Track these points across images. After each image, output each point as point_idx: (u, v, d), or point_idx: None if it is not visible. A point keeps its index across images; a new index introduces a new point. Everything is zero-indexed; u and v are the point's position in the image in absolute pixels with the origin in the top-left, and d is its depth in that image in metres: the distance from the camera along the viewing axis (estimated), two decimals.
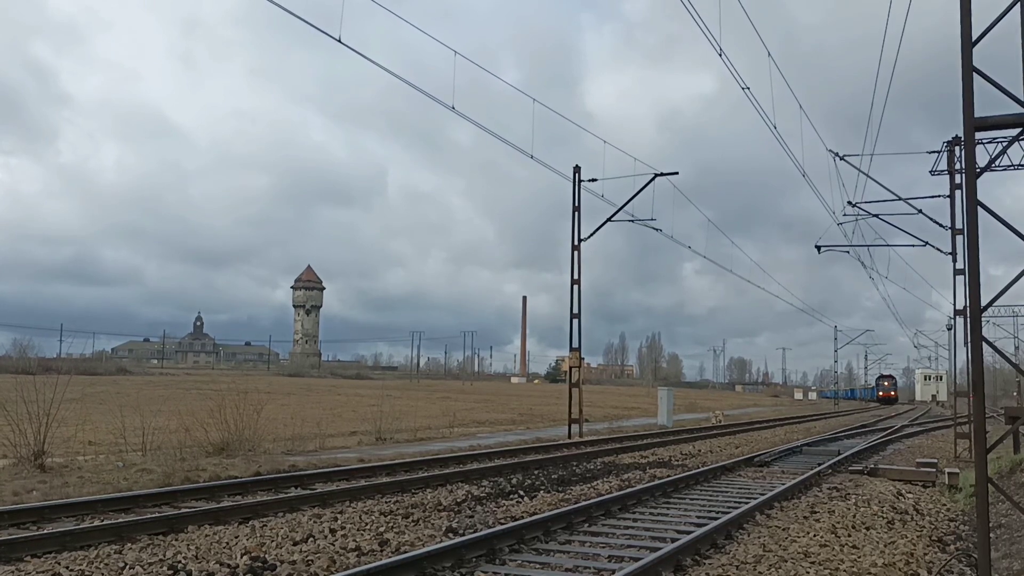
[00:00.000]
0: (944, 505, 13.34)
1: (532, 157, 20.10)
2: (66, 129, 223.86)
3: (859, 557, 8.50)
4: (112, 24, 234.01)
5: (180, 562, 7.72)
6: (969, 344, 6.27)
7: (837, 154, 24.13)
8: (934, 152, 24.21)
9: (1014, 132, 6.83)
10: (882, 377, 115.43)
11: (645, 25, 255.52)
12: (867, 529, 10.25)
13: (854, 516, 11.02)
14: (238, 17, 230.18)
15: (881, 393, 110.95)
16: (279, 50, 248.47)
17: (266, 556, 7.97)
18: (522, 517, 10.27)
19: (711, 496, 12.92)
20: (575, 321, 26.72)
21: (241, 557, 7.93)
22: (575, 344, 26.85)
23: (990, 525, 6.68)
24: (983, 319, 6.48)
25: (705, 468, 15.95)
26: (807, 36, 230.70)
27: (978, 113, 6.25)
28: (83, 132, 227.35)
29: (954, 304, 23.80)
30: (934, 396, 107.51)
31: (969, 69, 6.20)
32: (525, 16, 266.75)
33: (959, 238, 23.08)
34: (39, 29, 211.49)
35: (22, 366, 49.94)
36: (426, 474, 14.58)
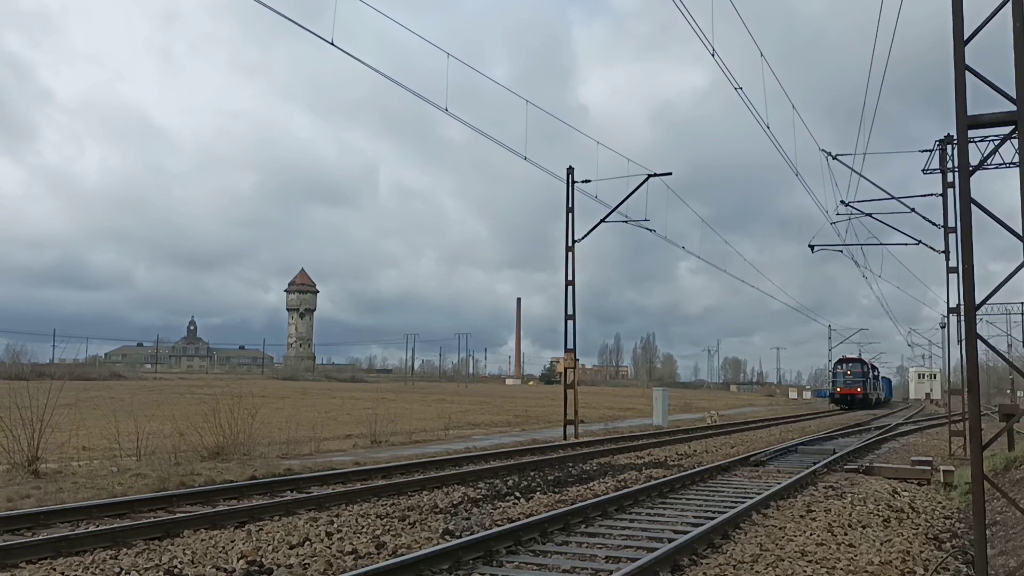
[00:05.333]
0: (939, 503, 13.37)
1: (526, 159, 20.09)
2: (46, 128, 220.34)
3: (856, 555, 8.52)
4: (86, 12, 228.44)
5: (176, 567, 7.71)
6: (964, 342, 6.29)
7: (830, 153, 24.20)
8: (927, 151, 24.29)
9: (1006, 130, 6.86)
10: (843, 362, 71.49)
11: (635, 17, 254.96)
12: (863, 527, 10.28)
13: (850, 515, 11.04)
14: (218, 9, 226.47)
15: (840, 390, 68.81)
16: (261, 44, 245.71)
17: (263, 560, 7.96)
18: (519, 519, 10.27)
19: (707, 496, 12.93)
20: (570, 322, 26.73)
21: (238, 561, 7.92)
22: (570, 345, 26.85)
23: (986, 522, 6.69)
24: (976, 317, 6.50)
25: (701, 468, 15.96)
26: (804, 26, 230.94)
27: (972, 107, 6.26)
28: (65, 131, 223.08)
29: (947, 302, 23.90)
30: (928, 394, 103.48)
31: (961, 67, 6.22)
32: (515, 10, 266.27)
33: (952, 236, 23.17)
34: (9, 20, 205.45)
35: (15, 372, 49.87)
36: (422, 476, 14.56)
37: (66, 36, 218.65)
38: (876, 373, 79.36)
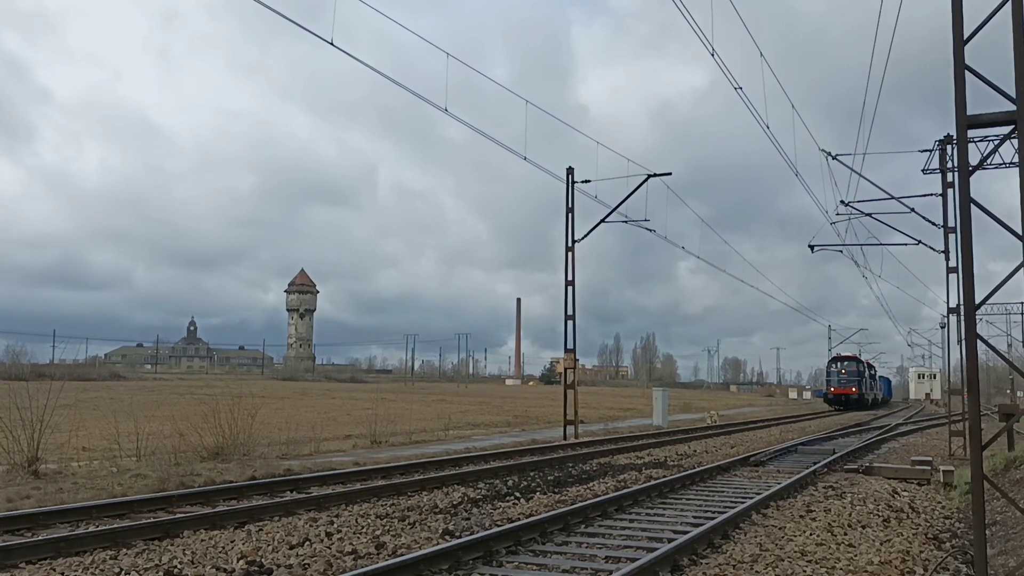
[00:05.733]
0: (939, 503, 13.37)
1: (525, 159, 20.09)
2: (44, 128, 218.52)
3: (855, 555, 8.52)
4: (84, 12, 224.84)
5: (176, 567, 7.71)
6: (964, 342, 6.30)
7: (829, 153, 24.19)
8: (926, 151, 24.29)
9: (1006, 130, 6.86)
10: (837, 360, 67.08)
11: (635, 16, 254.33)
12: (863, 527, 10.28)
13: (850, 515, 11.04)
14: (217, 9, 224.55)
15: (834, 389, 65.23)
16: (261, 44, 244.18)
17: (262, 560, 7.96)
18: (518, 519, 10.27)
19: (707, 496, 12.94)
20: (570, 323, 26.73)
21: (237, 561, 7.92)
22: (570, 345, 26.85)
23: (985, 522, 6.69)
24: (976, 317, 6.50)
25: (701, 468, 15.96)
26: (804, 25, 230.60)
27: (971, 107, 6.26)
28: (63, 131, 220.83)
29: (947, 302, 23.91)
30: (928, 394, 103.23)
31: (961, 67, 6.22)
32: (515, 10, 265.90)
33: (952, 236, 23.17)
34: (7, 19, 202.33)
35: (15, 372, 49.78)
36: (422, 477, 14.57)
37: (64, 36, 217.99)
38: (873, 372, 75.95)
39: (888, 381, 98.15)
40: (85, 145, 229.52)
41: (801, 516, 10.88)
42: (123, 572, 7.54)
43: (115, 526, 9.28)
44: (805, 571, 7.77)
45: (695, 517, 10.70)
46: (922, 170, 24.55)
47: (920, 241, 26.58)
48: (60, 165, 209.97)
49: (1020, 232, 6.14)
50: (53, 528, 9.48)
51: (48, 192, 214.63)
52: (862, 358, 71.05)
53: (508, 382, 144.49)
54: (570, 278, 26.62)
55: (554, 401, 41.51)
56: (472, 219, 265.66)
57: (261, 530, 9.62)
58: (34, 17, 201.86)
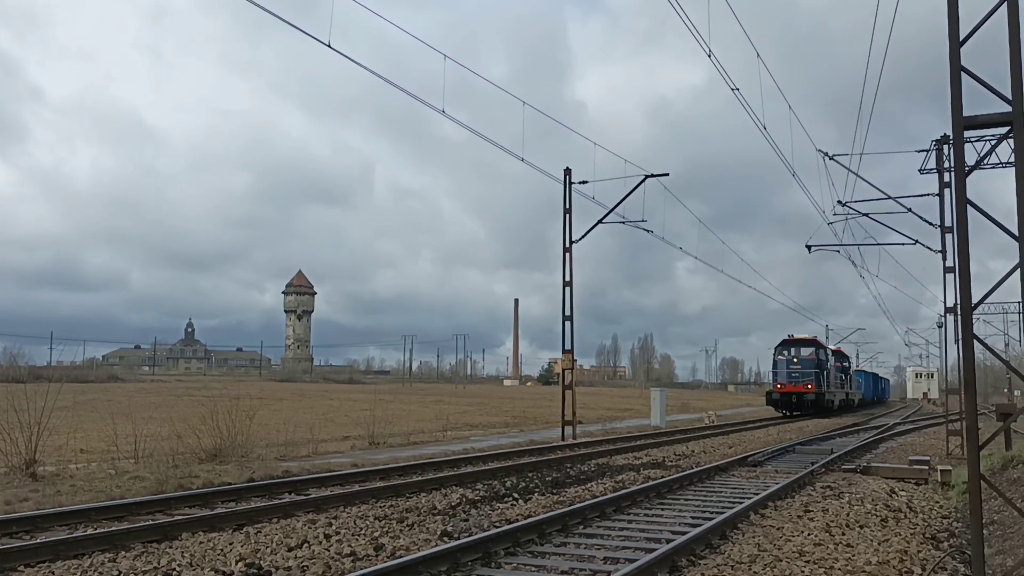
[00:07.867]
0: (937, 502, 13.39)
1: (523, 160, 20.11)
2: (36, 127, 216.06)
3: (853, 555, 8.54)
4: (74, 9, 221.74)
5: (175, 569, 7.71)
6: (960, 342, 6.31)
7: (826, 153, 24.21)
8: (923, 151, 24.31)
9: (1002, 130, 6.87)
10: (788, 346, 47.91)
11: (632, 14, 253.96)
12: (861, 527, 10.29)
13: (848, 514, 11.06)
14: (209, 5, 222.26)
15: (780, 386, 47.01)
16: (253, 41, 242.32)
17: (261, 562, 7.95)
18: (517, 520, 10.27)
19: (705, 496, 12.94)
20: (567, 323, 26.73)
21: (236, 564, 7.92)
22: (568, 346, 26.86)
23: (983, 522, 6.70)
24: (974, 316, 6.51)
25: (699, 468, 15.97)
26: (803, 21, 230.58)
27: (969, 105, 6.27)
28: (56, 131, 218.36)
29: (944, 302, 23.93)
30: (925, 394, 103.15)
31: (957, 69, 6.23)
32: (512, 7, 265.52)
33: (949, 236, 23.20)
34: None
35: (12, 374, 49.68)
36: (420, 478, 14.57)
37: (54, 33, 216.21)
38: (846, 364, 58.30)
39: (875, 377, 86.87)
40: (78, 145, 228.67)
41: (799, 516, 10.89)
42: (121, 575, 7.54)
43: (113, 529, 9.27)
44: (803, 571, 7.78)
45: (693, 518, 10.71)
46: (919, 170, 24.58)
47: (917, 241, 26.62)
48: (53, 165, 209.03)
49: (1016, 233, 6.15)
50: (51, 531, 9.46)
51: (42, 193, 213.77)
52: (829, 344, 54.41)
53: (506, 383, 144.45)
54: (568, 278, 26.63)
55: (552, 402, 41.52)
56: (469, 219, 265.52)
57: (259, 532, 9.61)
58: (23, 13, 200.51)
